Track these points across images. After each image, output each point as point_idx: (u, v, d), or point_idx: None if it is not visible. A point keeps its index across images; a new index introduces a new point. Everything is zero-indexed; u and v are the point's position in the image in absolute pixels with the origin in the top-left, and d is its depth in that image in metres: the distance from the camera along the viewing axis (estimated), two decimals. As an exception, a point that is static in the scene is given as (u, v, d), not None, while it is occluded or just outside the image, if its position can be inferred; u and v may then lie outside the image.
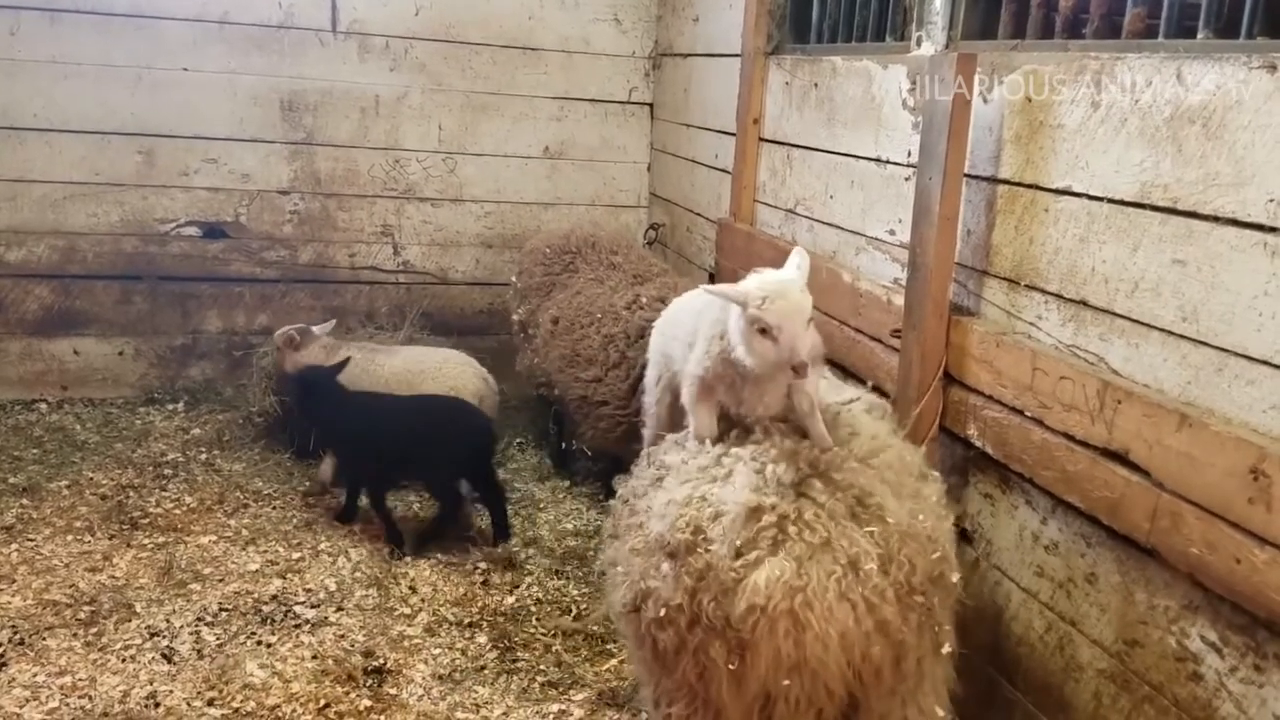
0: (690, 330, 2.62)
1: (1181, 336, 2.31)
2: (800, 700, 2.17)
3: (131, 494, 4.62)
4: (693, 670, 2.23)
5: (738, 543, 2.16)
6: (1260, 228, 2.10)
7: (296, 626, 3.67)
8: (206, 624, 3.64)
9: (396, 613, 3.81)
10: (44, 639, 3.49)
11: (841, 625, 2.11)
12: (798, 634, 2.09)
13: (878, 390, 3.23)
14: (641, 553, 2.32)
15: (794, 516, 2.18)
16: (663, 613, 2.22)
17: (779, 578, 2.10)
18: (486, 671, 3.49)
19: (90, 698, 3.20)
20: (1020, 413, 2.73)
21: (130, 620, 3.63)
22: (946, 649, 2.32)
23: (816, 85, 4.08)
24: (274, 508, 4.61)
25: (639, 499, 2.48)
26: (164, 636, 3.55)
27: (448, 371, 4.55)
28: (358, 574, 4.07)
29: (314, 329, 4.92)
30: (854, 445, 2.42)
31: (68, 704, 3.17)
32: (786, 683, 2.13)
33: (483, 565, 4.18)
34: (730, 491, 2.26)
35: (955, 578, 2.34)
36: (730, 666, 2.15)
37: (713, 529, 2.21)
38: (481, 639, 3.67)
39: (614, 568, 2.52)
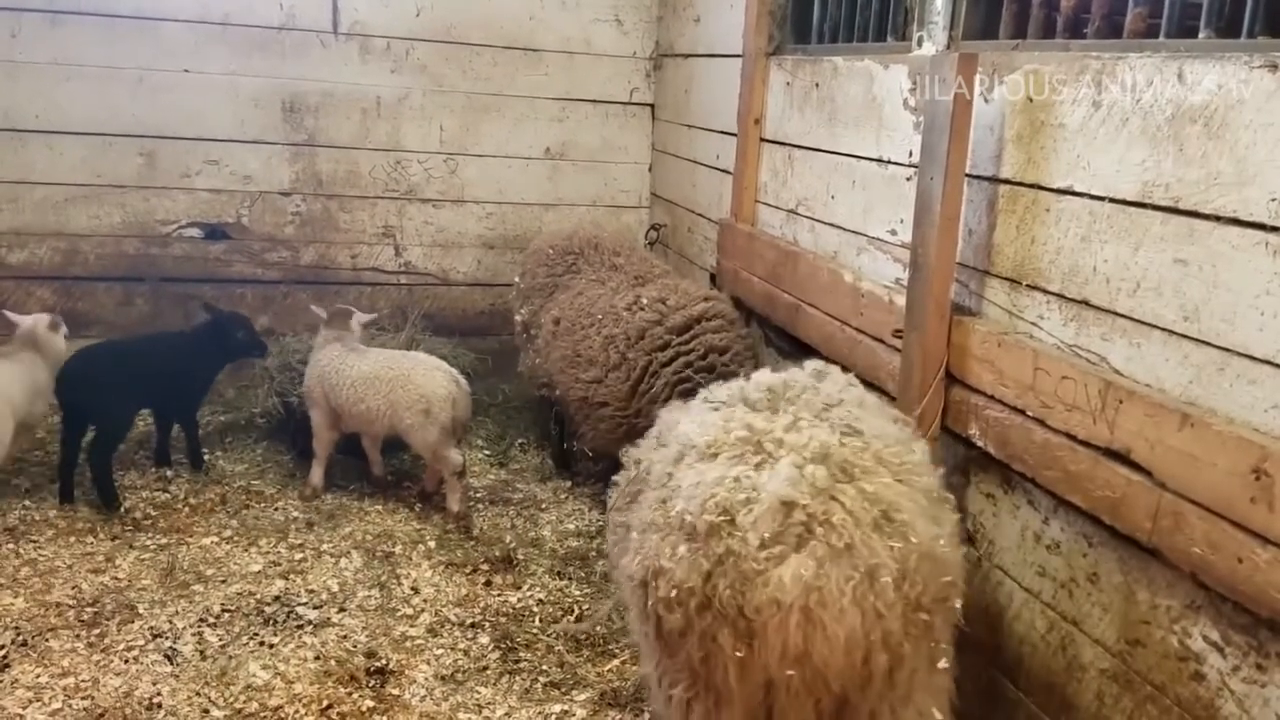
0: None
1: (1183, 336, 2.31)
2: (801, 690, 2.18)
3: (133, 495, 4.62)
4: (697, 653, 2.21)
5: (766, 535, 2.15)
6: (1262, 227, 2.10)
7: (299, 627, 3.67)
8: (209, 625, 3.65)
9: (399, 613, 3.82)
10: (47, 640, 3.49)
11: (849, 628, 2.11)
12: (808, 629, 2.10)
13: (879, 390, 3.23)
14: (660, 529, 2.29)
15: (822, 518, 2.18)
16: (673, 593, 2.19)
17: (802, 576, 2.10)
18: (489, 672, 3.49)
19: (93, 699, 3.21)
20: (1022, 412, 2.73)
21: (133, 621, 3.64)
22: (943, 664, 2.32)
23: (818, 85, 4.08)
24: (276, 509, 4.62)
25: (662, 468, 2.45)
26: (166, 637, 3.56)
27: (417, 375, 4.53)
28: (360, 575, 4.07)
29: (354, 317, 4.88)
30: (883, 452, 2.38)
31: (70, 705, 3.17)
32: (790, 672, 2.14)
33: (484, 566, 4.19)
34: (766, 479, 2.24)
35: (958, 603, 2.34)
36: (737, 653, 2.15)
37: (742, 516, 2.18)
38: (484, 639, 3.68)
39: (622, 529, 2.50)
